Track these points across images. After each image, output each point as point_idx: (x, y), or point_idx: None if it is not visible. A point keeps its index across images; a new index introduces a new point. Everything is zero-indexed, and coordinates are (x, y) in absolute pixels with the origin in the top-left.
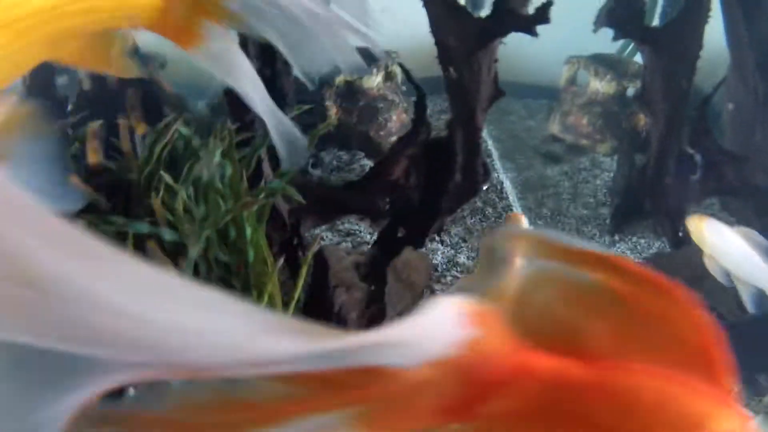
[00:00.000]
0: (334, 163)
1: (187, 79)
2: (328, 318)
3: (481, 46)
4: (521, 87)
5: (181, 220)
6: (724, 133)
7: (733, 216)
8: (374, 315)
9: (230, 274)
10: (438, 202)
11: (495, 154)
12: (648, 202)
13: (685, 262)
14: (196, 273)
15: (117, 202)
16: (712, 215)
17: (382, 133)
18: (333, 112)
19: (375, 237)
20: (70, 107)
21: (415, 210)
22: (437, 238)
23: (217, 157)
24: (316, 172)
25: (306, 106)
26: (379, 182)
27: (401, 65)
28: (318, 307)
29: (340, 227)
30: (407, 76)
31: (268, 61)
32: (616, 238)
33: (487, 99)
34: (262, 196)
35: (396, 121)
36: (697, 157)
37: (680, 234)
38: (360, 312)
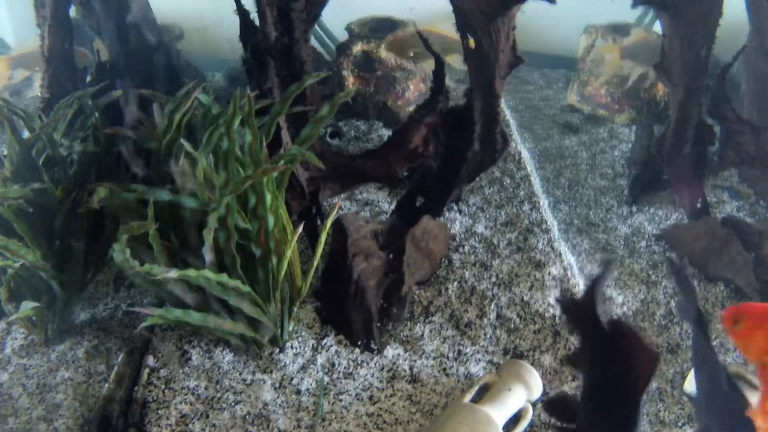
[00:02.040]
0: (352, 132)
1: (203, 52)
2: (347, 286)
3: (499, 12)
4: (539, 57)
5: (202, 188)
6: (743, 103)
7: (751, 187)
8: (393, 283)
9: (250, 241)
10: (456, 170)
11: (513, 124)
12: (666, 173)
13: (704, 232)
14: (216, 239)
15: (137, 171)
16: (730, 187)
17: (399, 102)
18: (350, 81)
19: (393, 206)
20: (89, 78)
21: (434, 179)
22: (455, 207)
23: (236, 125)
24: (335, 142)
25: (323, 73)
26: (397, 150)
27: (419, 34)
28: (337, 274)
29: (359, 197)
30: (425, 45)
31: (286, 30)
32: (634, 209)
33: (506, 66)
34: (281, 162)
35: (413, 90)
36: (716, 127)
37: (699, 204)
38: (378, 280)
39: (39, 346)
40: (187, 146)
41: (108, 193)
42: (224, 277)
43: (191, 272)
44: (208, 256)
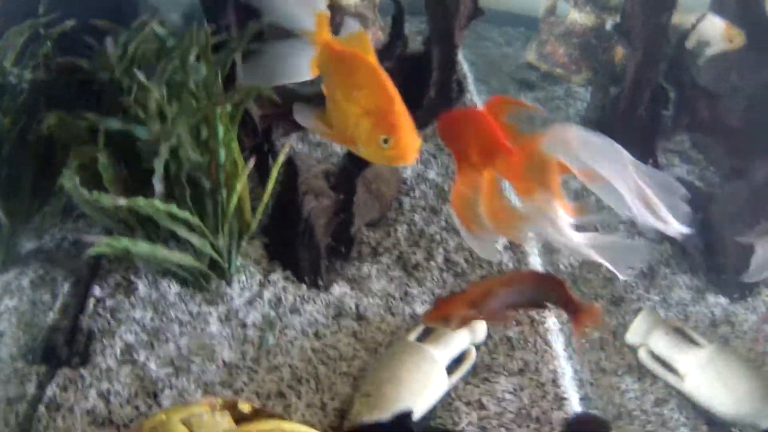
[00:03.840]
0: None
1: None
2: (296, 223)
3: None
4: (500, 14)
5: (154, 119)
6: (701, 71)
7: (702, 153)
8: (342, 222)
9: (200, 173)
10: (411, 116)
11: (470, 78)
12: (620, 133)
13: None
14: (166, 170)
15: (89, 99)
16: (682, 152)
17: None
18: None
19: (345, 149)
20: (41, 8)
21: None
22: None
23: (191, 58)
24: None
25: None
26: None
27: None
28: (286, 212)
29: (311, 138)
30: None
31: None
32: None
33: (466, 17)
34: (235, 96)
35: (372, 38)
36: (672, 92)
37: (649, 165)
38: (328, 219)
39: None
40: (140, 76)
41: (58, 121)
42: (173, 207)
43: (140, 200)
44: (158, 186)
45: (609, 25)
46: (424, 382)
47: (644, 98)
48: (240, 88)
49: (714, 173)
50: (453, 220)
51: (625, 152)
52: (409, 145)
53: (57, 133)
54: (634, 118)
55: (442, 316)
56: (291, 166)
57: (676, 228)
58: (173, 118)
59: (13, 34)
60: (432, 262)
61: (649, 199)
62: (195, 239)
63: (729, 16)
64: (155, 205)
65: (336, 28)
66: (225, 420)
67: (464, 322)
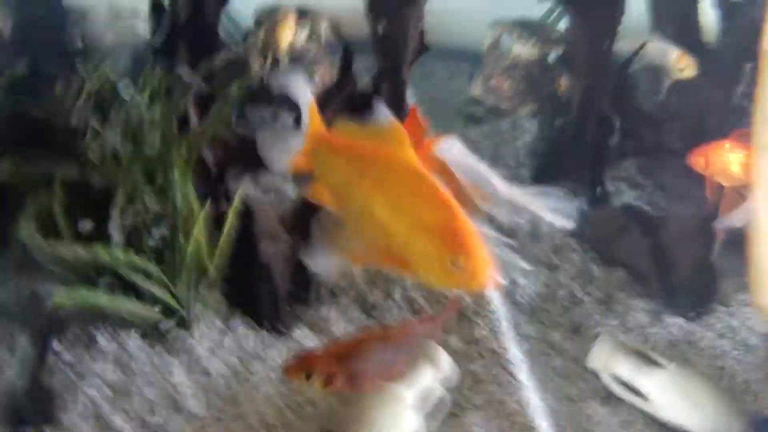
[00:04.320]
0: (257, 120)
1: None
2: (255, 268)
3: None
4: (445, 50)
5: (110, 164)
6: (642, 98)
7: (649, 178)
8: (299, 265)
9: (158, 220)
10: None
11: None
12: (567, 163)
13: (603, 220)
14: (124, 219)
15: (45, 147)
16: (629, 178)
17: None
18: (257, 64)
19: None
20: None
21: None
22: None
23: (145, 100)
24: (240, 129)
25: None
26: None
27: (330, 20)
28: (244, 258)
29: (264, 182)
30: (335, 31)
31: (197, 8)
32: None
33: (413, 53)
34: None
35: (319, 78)
36: (616, 120)
37: (598, 194)
38: (286, 263)
39: None
40: (95, 125)
41: (13, 167)
42: (133, 257)
43: (100, 251)
44: (116, 234)
45: (552, 56)
46: (392, 422)
47: (590, 126)
48: (195, 130)
49: (661, 197)
50: None
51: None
52: (484, 266)
53: (11, 180)
54: (581, 146)
55: (304, 369)
56: (247, 212)
57: (561, 223)
58: (128, 162)
59: None
60: (390, 301)
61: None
62: (155, 288)
63: (668, 39)
64: (116, 255)
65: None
66: None
67: (329, 379)
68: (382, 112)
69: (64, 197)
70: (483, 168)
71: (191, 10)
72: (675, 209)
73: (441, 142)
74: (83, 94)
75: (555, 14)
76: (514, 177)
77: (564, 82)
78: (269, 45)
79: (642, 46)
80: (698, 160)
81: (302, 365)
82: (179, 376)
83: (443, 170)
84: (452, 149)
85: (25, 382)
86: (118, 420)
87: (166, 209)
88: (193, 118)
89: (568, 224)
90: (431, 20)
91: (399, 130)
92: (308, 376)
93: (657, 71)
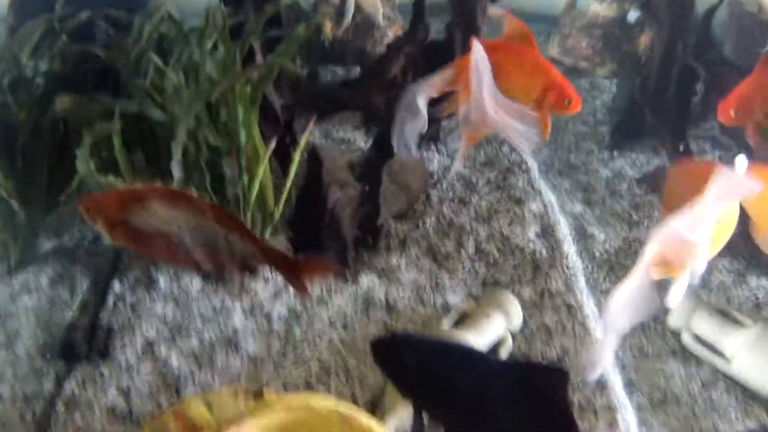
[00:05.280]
0: (330, 77)
1: None
2: (321, 215)
3: None
4: (520, 13)
5: (170, 101)
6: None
7: (733, 139)
8: (368, 214)
9: (220, 157)
10: (435, 103)
11: None
12: (649, 118)
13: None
14: (185, 156)
15: (106, 86)
16: (712, 137)
17: (378, 49)
18: (328, 27)
19: (369, 144)
20: (58, 4)
21: None
22: (433, 147)
23: (209, 41)
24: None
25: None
26: (376, 80)
27: None
28: (311, 204)
29: (335, 135)
30: None
31: None
32: (615, 154)
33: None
34: (255, 74)
35: (392, 37)
36: (701, 70)
37: (681, 149)
38: (353, 210)
39: (1, 276)
40: (156, 59)
41: (72, 104)
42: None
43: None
44: (177, 171)
45: (631, 15)
46: None
47: (672, 80)
48: (260, 65)
49: (747, 157)
50: None
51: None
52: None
53: (71, 119)
54: (663, 103)
55: (94, 208)
56: (314, 157)
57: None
58: (190, 99)
59: (29, 28)
60: (463, 252)
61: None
62: None
63: None
64: None
65: (356, 26)
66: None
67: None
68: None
69: (125, 133)
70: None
71: None
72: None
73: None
74: (145, 34)
75: None
76: (592, 135)
77: (644, 40)
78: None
79: None
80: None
81: (93, 204)
82: (240, 319)
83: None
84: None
85: (85, 322)
86: (174, 360)
87: (230, 148)
88: (259, 58)
89: (527, 152)
90: None
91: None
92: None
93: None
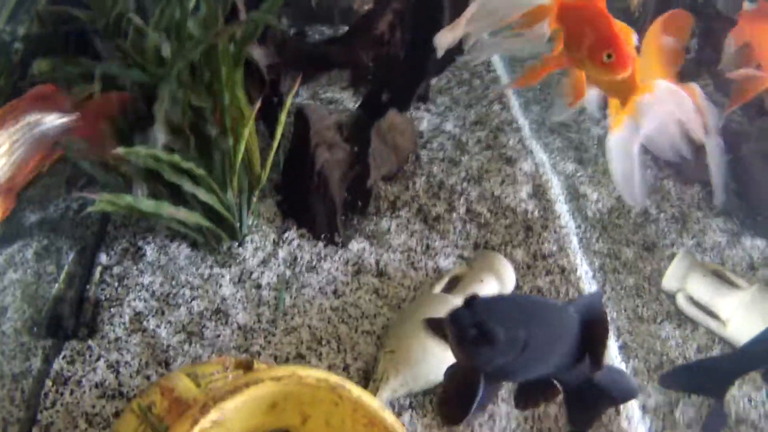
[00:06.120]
0: (317, 36)
1: None
2: (309, 177)
3: None
4: None
5: (151, 61)
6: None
7: (726, 96)
8: (357, 175)
9: (204, 120)
10: (424, 60)
11: None
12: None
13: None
14: (169, 118)
15: (86, 53)
16: (705, 92)
17: (365, 7)
18: None
19: (358, 104)
20: None
21: (401, 70)
22: (422, 106)
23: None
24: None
25: None
26: (363, 36)
27: None
28: (298, 166)
29: (322, 95)
30: None
31: None
32: (607, 111)
33: None
34: (238, 32)
35: None
36: (696, 26)
37: None
38: (342, 172)
39: None
40: (136, 19)
41: (50, 66)
42: (176, 158)
43: (140, 150)
44: (160, 134)
45: None
46: None
47: None
48: (244, 22)
49: (740, 113)
50: None
51: None
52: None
53: (50, 79)
54: None
55: None
56: (302, 118)
57: None
58: (172, 58)
59: None
60: (454, 214)
61: None
62: (202, 194)
63: None
64: (157, 155)
65: None
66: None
67: None
68: None
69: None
70: None
71: None
72: (757, 123)
73: None
74: None
75: None
76: None
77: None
78: None
79: None
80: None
81: None
82: (229, 288)
83: None
84: None
85: (71, 296)
86: (164, 332)
87: (214, 109)
88: (242, 14)
89: None
90: None
91: None
92: None
93: None
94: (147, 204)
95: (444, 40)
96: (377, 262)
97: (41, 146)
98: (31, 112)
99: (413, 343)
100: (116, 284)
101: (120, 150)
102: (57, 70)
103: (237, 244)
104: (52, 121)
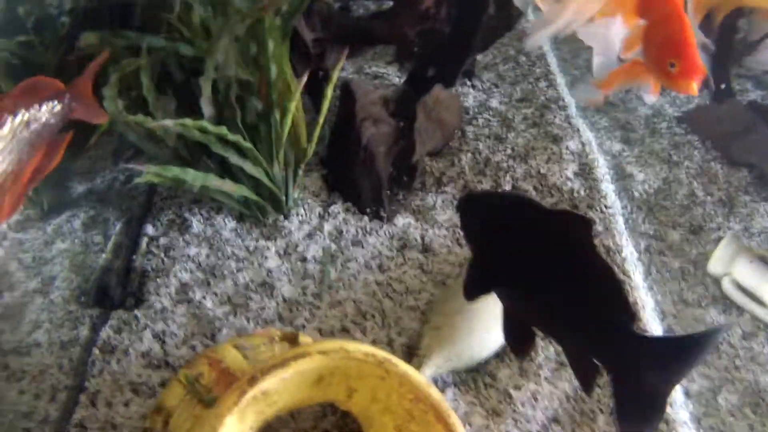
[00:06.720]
0: (361, 11)
1: None
2: (355, 152)
3: None
4: None
5: (197, 34)
6: None
7: None
8: (403, 150)
9: (250, 93)
10: (470, 36)
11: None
12: None
13: (728, 116)
14: (214, 91)
15: (132, 21)
16: (755, 75)
17: None
18: None
19: (403, 80)
20: None
21: (447, 45)
22: (468, 82)
23: None
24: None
25: None
26: (408, 11)
27: None
28: (344, 140)
29: (367, 70)
30: None
31: None
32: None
33: None
34: (284, 6)
35: None
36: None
37: (722, 87)
38: (388, 147)
39: (35, 221)
40: None
41: (97, 39)
42: (223, 130)
43: (187, 121)
44: (207, 108)
45: None
46: (497, 312)
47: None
48: None
49: None
50: None
51: None
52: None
53: (97, 52)
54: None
55: None
56: (347, 92)
57: None
58: (218, 32)
59: None
60: (500, 190)
61: None
62: (248, 166)
63: None
64: (204, 127)
65: None
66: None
67: None
68: None
69: (152, 70)
70: None
71: None
72: None
73: None
74: None
75: None
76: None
77: None
78: None
79: None
80: None
81: None
82: (274, 260)
83: None
84: None
85: (118, 266)
86: (209, 303)
87: (260, 83)
88: None
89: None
90: None
91: None
92: None
93: None
94: (194, 175)
95: (536, 41)
96: (422, 238)
97: (41, 141)
98: (21, 108)
99: (458, 320)
100: (162, 255)
101: (168, 122)
102: (104, 43)
103: (282, 217)
104: (47, 111)
